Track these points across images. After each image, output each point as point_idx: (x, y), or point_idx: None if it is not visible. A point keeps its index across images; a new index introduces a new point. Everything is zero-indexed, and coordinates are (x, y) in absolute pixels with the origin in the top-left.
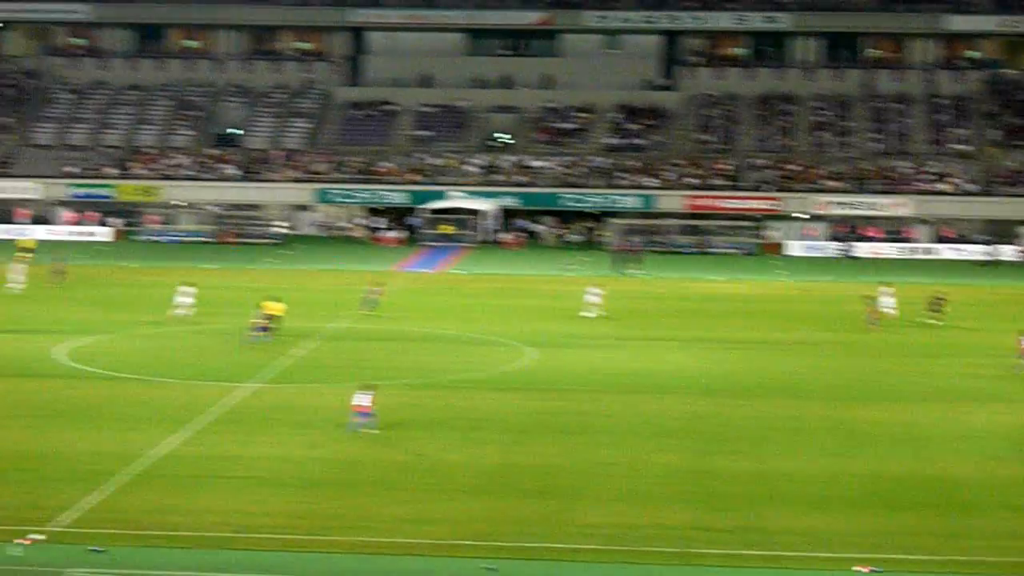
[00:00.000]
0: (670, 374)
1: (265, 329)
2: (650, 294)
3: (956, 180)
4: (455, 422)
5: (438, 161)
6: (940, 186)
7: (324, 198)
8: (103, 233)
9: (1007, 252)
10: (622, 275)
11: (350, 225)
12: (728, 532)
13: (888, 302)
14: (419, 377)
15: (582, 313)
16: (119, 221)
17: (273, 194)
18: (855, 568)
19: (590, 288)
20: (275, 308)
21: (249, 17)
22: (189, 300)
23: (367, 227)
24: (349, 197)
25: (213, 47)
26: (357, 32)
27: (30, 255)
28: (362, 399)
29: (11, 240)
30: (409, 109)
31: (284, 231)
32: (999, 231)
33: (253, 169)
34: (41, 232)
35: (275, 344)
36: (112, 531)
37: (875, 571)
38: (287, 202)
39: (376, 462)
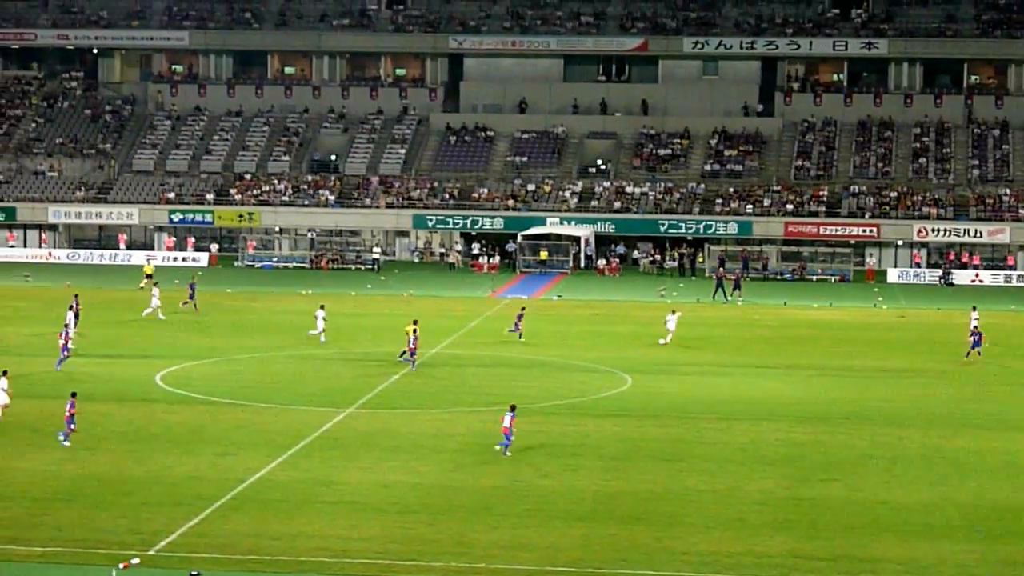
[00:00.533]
0: (766, 401)
1: (414, 352)
2: (747, 320)
3: None
4: (551, 448)
5: (534, 187)
6: None
7: (420, 224)
8: (201, 258)
9: None
10: (724, 302)
11: (446, 251)
12: (826, 560)
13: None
14: (516, 403)
15: (660, 340)
16: (215, 247)
17: (369, 220)
18: None
19: (669, 315)
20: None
21: (347, 43)
22: (322, 324)
23: (463, 253)
24: (445, 223)
25: (311, 73)
26: (454, 58)
27: (149, 280)
28: (507, 420)
29: (119, 265)
30: (505, 135)
31: (378, 257)
32: None
33: (349, 195)
34: (141, 257)
35: (370, 370)
36: (210, 555)
37: None
38: (383, 227)
39: (472, 488)
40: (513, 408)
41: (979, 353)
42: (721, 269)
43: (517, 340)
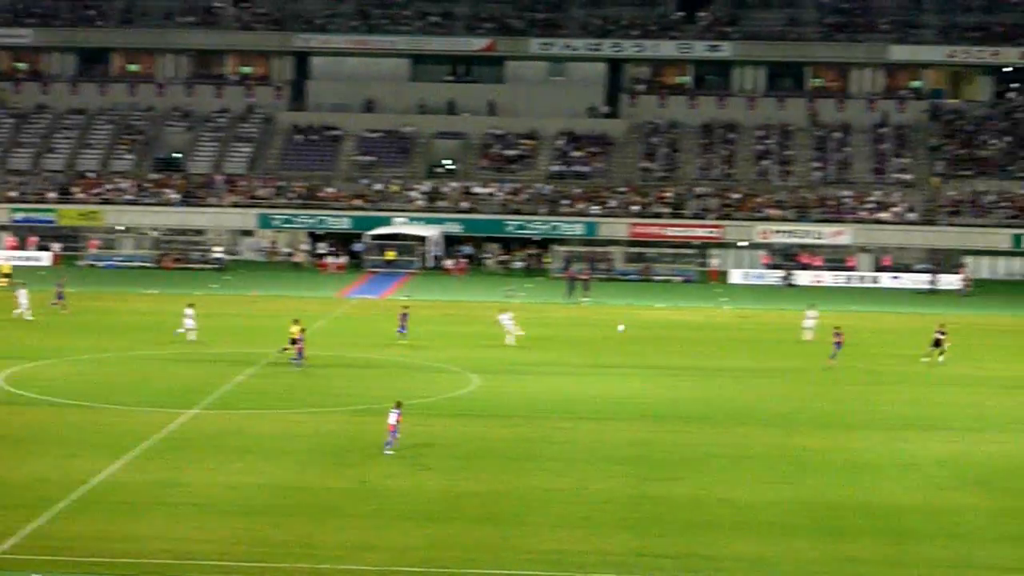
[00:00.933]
0: (613, 401)
1: (301, 353)
2: (594, 321)
3: (898, 209)
4: (399, 448)
5: (381, 186)
6: (882, 215)
7: (266, 223)
8: (44, 258)
9: (948, 281)
10: (573, 303)
11: (292, 250)
12: (670, 558)
13: (810, 324)
14: (363, 403)
15: (507, 340)
16: (58, 246)
17: (214, 219)
18: None
19: (502, 314)
20: (295, 330)
21: (192, 41)
22: (191, 323)
23: (309, 253)
24: (291, 222)
25: (156, 71)
26: (301, 56)
27: (5, 280)
28: (392, 417)
29: None
30: (353, 134)
31: (222, 256)
32: (940, 260)
33: (194, 193)
34: None
35: (216, 370)
36: (52, 558)
37: None
38: (229, 227)
39: (319, 489)
40: (399, 405)
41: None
42: (571, 269)
43: (401, 342)
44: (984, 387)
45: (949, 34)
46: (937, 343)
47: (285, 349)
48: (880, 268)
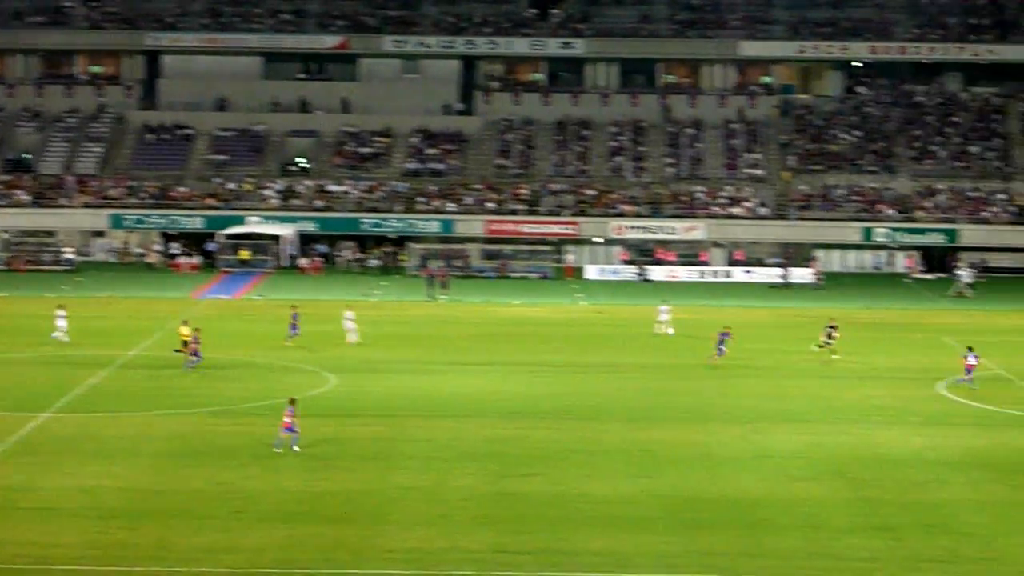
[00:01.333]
0: (471, 398)
1: (196, 353)
2: (451, 318)
3: (749, 204)
4: (256, 449)
5: (235, 185)
6: (734, 210)
7: (118, 223)
8: None
9: (799, 275)
10: (432, 300)
11: (145, 251)
12: (529, 554)
13: (664, 318)
14: (218, 404)
15: (348, 339)
16: None
17: (66, 220)
18: None
19: (346, 312)
20: (185, 332)
21: (42, 41)
22: (63, 324)
23: (162, 253)
24: (143, 222)
25: (5, 71)
26: (151, 55)
27: None
28: (287, 415)
29: None
30: (205, 133)
31: (73, 257)
32: (792, 254)
33: (45, 194)
34: None
35: (69, 372)
36: None
37: None
38: (80, 227)
39: (174, 491)
40: (293, 402)
41: (718, 355)
42: (429, 267)
43: (289, 345)
44: (837, 379)
45: (799, 30)
46: (829, 337)
47: (178, 351)
48: (733, 263)
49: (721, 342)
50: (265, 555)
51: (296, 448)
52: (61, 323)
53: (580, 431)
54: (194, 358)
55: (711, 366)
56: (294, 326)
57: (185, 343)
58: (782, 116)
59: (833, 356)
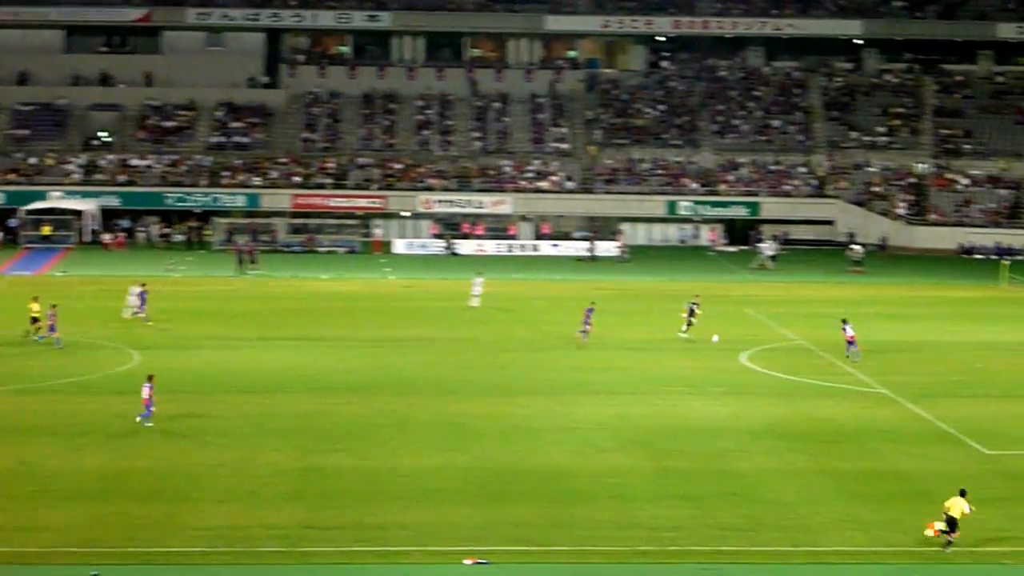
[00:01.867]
0: (279, 373)
1: (53, 327)
2: (258, 293)
3: (556, 178)
4: (58, 427)
5: (36, 160)
6: (541, 184)
7: None
8: None
9: (606, 248)
10: (241, 275)
11: None
12: (338, 529)
13: (477, 291)
14: (19, 383)
15: (123, 314)
16: None
17: None
18: (464, 561)
19: (132, 288)
20: (35, 308)
21: None
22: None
23: None
24: None
25: None
26: None
27: None
28: (145, 391)
29: None
30: (6, 107)
31: None
32: (599, 228)
33: None
34: None
35: None
36: None
37: (480, 563)
38: None
39: None
40: (150, 378)
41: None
42: (237, 242)
43: (142, 320)
44: (641, 351)
45: (603, 4)
46: (692, 314)
47: (28, 332)
48: (540, 236)
49: (587, 319)
50: (70, 534)
51: (148, 424)
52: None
53: (389, 405)
54: (54, 334)
55: (579, 346)
56: (142, 306)
57: (35, 319)
58: (588, 91)
59: (680, 334)
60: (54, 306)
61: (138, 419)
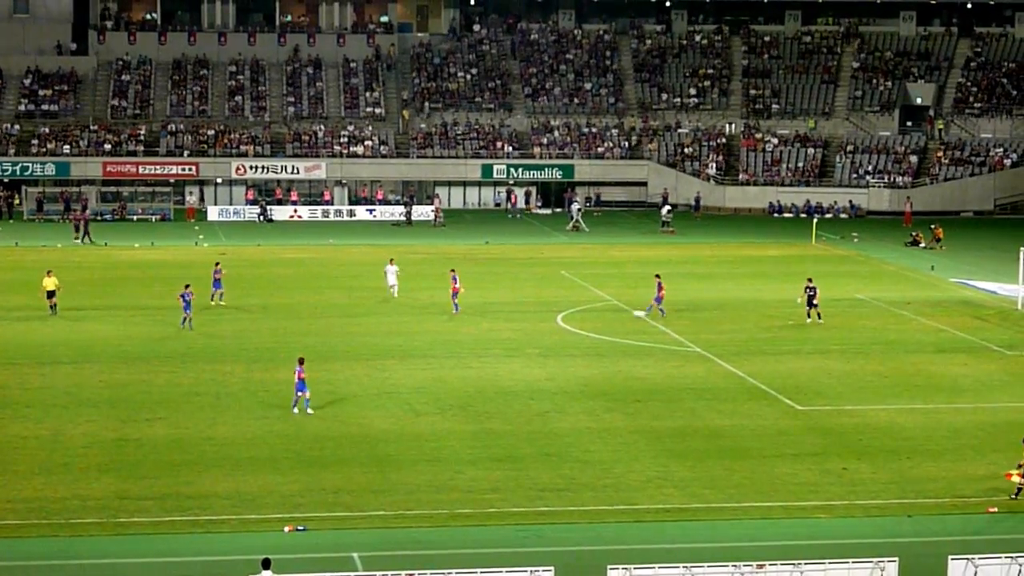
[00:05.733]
0: (88, 343)
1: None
2: (68, 263)
3: (370, 143)
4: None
5: None
6: (355, 149)
7: None
8: None
9: (422, 213)
10: (87, 244)
11: None
12: (153, 499)
13: (392, 281)
14: None
15: None
16: None
17: None
18: (284, 529)
19: None
20: (49, 283)
21: None
22: None
23: None
24: None
25: None
26: None
27: None
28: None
29: None
30: None
31: None
32: (415, 192)
33: None
34: None
35: None
36: None
37: (299, 530)
38: None
39: None
40: (302, 361)
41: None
42: (75, 212)
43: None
44: (458, 316)
45: None
46: (810, 301)
47: (50, 307)
48: (356, 201)
49: (659, 297)
50: None
51: (310, 411)
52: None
53: (203, 374)
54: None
55: (654, 315)
56: (217, 282)
57: (51, 293)
58: (400, 54)
59: (818, 321)
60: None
61: (305, 409)
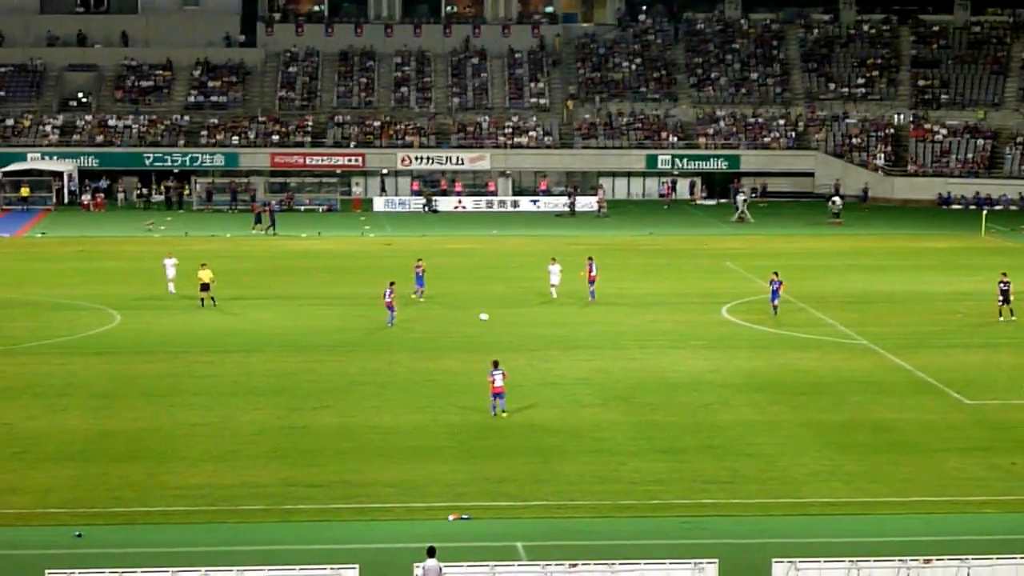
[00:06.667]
0: (257, 333)
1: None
2: (237, 253)
3: (534, 133)
4: (39, 389)
5: (13, 122)
6: (519, 139)
7: None
8: None
9: (585, 203)
10: (271, 234)
11: None
12: (319, 487)
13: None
14: (10, 344)
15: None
16: None
17: None
18: (448, 517)
19: (167, 260)
20: (204, 275)
21: None
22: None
23: None
24: None
25: None
26: None
27: None
28: (497, 379)
29: None
30: None
31: None
32: (578, 183)
33: None
34: None
35: None
36: None
37: (463, 518)
38: None
39: None
40: (496, 364)
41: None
42: (257, 203)
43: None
44: (622, 306)
45: None
46: (1005, 297)
47: (203, 300)
48: (520, 192)
49: (775, 293)
50: (51, 495)
51: (504, 413)
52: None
53: (368, 363)
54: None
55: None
56: (419, 279)
57: (205, 286)
58: (565, 45)
59: (1011, 318)
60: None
61: (500, 412)
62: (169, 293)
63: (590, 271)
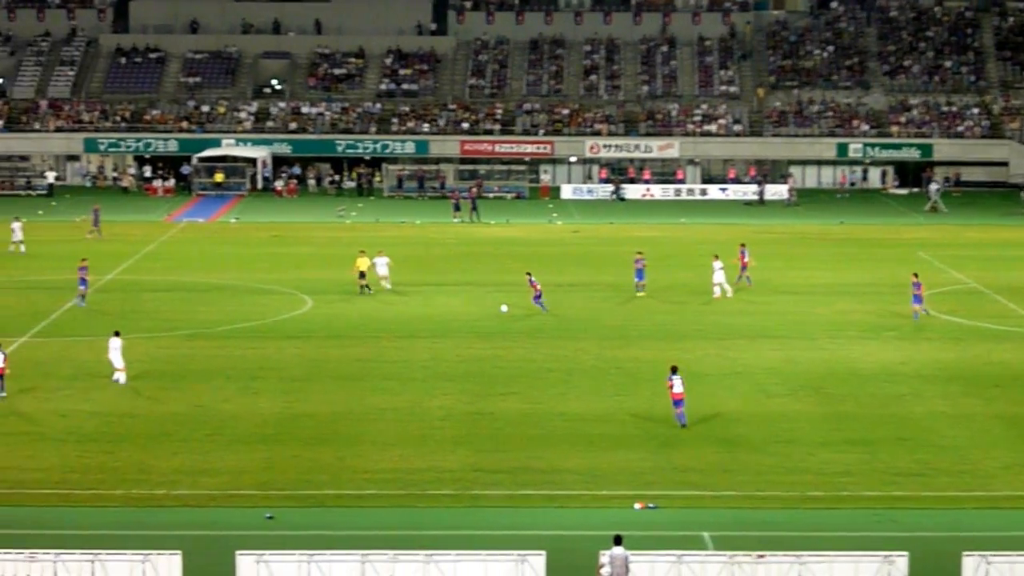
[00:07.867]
0: (446, 319)
1: (84, 281)
2: (425, 239)
3: (723, 121)
4: (232, 372)
5: (208, 108)
6: (708, 127)
7: (91, 147)
8: None
9: (774, 192)
10: (475, 221)
11: (119, 174)
12: (506, 473)
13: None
14: (194, 328)
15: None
16: None
17: (39, 144)
18: (635, 506)
19: (378, 259)
20: (362, 263)
21: None
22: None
23: (137, 177)
24: (117, 146)
25: None
26: None
27: None
28: (677, 385)
29: None
30: (177, 56)
31: (50, 182)
32: (768, 171)
33: (18, 119)
34: None
35: (45, 297)
36: None
37: (650, 507)
38: (53, 152)
39: (151, 414)
40: (675, 370)
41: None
42: (456, 191)
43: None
44: (811, 295)
45: None
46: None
47: (362, 288)
48: (709, 180)
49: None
50: (243, 477)
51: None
52: (17, 235)
53: (556, 350)
54: (83, 289)
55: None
56: (640, 272)
57: (362, 274)
58: (755, 32)
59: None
60: (84, 260)
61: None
62: (384, 289)
63: (742, 258)
